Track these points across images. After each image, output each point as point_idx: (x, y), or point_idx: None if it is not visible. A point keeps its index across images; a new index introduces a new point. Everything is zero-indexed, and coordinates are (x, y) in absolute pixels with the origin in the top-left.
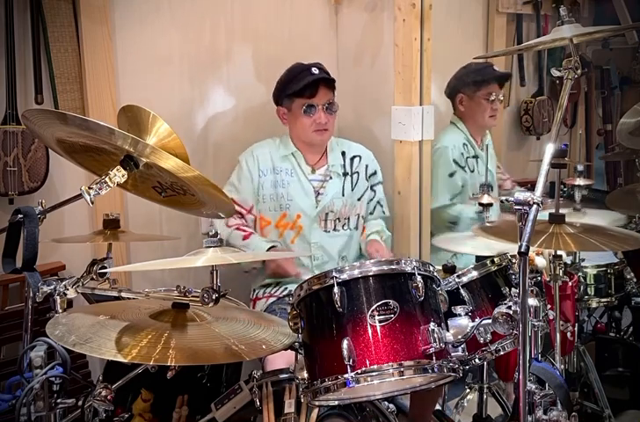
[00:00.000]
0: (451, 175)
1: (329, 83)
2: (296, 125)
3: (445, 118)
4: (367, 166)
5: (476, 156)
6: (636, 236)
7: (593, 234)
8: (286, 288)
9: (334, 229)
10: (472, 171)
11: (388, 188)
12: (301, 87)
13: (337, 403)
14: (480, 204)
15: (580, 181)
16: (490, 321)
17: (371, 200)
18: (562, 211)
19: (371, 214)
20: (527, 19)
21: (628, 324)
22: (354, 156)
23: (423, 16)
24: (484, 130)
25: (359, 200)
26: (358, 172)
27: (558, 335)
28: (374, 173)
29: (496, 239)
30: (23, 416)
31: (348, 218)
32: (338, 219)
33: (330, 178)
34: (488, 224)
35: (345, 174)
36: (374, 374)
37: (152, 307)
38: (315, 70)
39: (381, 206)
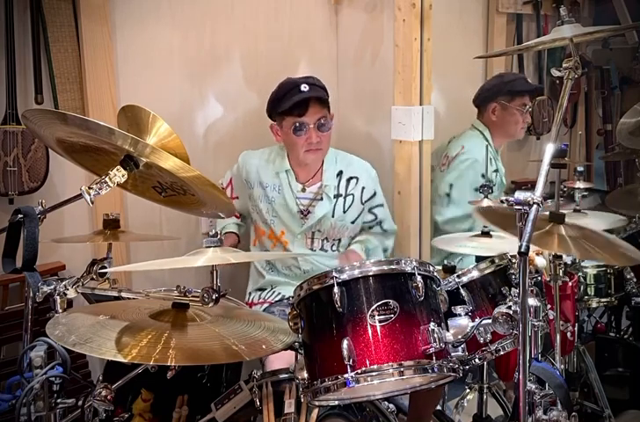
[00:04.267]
0: (477, 189)
1: (320, 99)
2: (288, 143)
3: (444, 119)
4: (363, 188)
5: (496, 171)
6: (634, 252)
7: (586, 240)
8: (279, 294)
9: (321, 249)
10: (494, 186)
11: (388, 188)
12: (290, 106)
13: (337, 403)
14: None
15: (580, 184)
16: (490, 321)
17: (368, 221)
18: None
19: (370, 228)
20: (527, 19)
21: (628, 324)
22: (351, 178)
23: (423, 16)
24: (507, 140)
25: (352, 222)
26: (353, 195)
27: (558, 335)
28: (373, 195)
29: (494, 226)
30: (23, 416)
31: (339, 239)
32: (326, 239)
33: (321, 198)
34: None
35: (337, 196)
36: (374, 374)
37: (152, 307)
38: (304, 88)
39: (381, 224)
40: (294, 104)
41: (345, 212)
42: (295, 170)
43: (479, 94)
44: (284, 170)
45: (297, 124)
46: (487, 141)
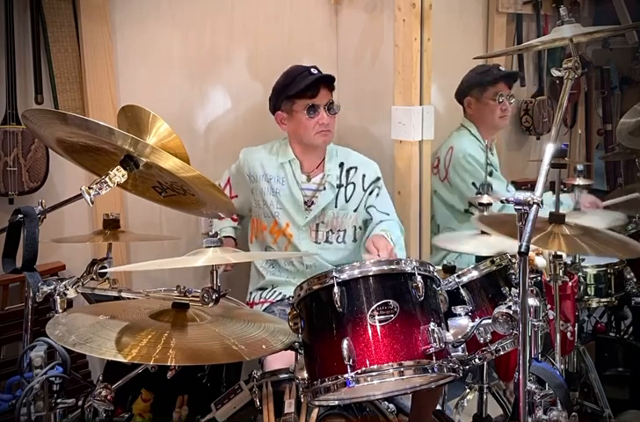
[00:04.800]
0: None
1: (329, 83)
2: (299, 128)
3: (444, 119)
4: (363, 176)
5: (489, 164)
6: (632, 244)
7: (590, 238)
8: (280, 293)
9: (326, 241)
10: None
11: (388, 188)
12: (303, 87)
13: (337, 403)
14: (480, 204)
15: (580, 181)
16: (490, 321)
17: (365, 205)
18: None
19: (371, 219)
20: (527, 19)
21: (628, 324)
22: (351, 168)
23: (423, 16)
24: (495, 132)
25: (355, 211)
26: (354, 183)
27: (558, 335)
28: (376, 180)
29: (494, 232)
30: (23, 416)
31: (344, 230)
32: (331, 230)
33: (324, 188)
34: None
35: (339, 186)
36: (374, 374)
37: (152, 307)
38: (314, 71)
39: (377, 209)
40: (307, 85)
41: (347, 201)
42: (300, 160)
43: (457, 90)
44: (288, 160)
45: (310, 105)
46: (474, 136)
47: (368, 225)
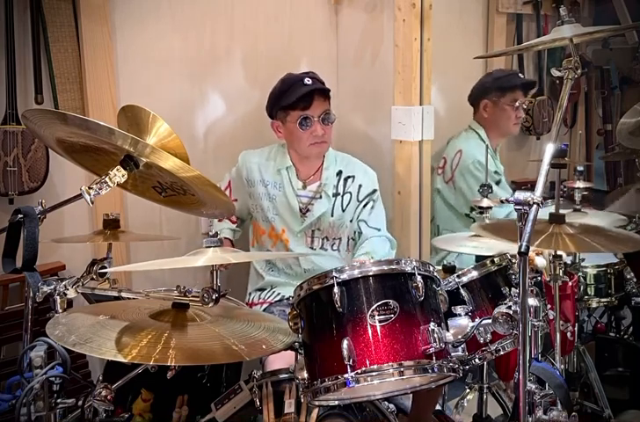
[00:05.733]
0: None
1: (323, 92)
2: (292, 138)
3: (444, 119)
4: (360, 186)
5: (496, 172)
6: (636, 237)
7: (593, 235)
8: (279, 294)
9: (321, 248)
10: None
11: (388, 188)
12: (295, 99)
13: (337, 403)
14: (479, 207)
15: (580, 184)
16: (490, 321)
17: (357, 218)
18: (562, 211)
19: (360, 233)
20: (527, 19)
21: (628, 324)
22: (348, 177)
23: (423, 16)
24: (504, 138)
25: (351, 221)
26: (350, 193)
27: (558, 335)
28: (372, 192)
29: (495, 238)
30: (23, 416)
31: (340, 239)
32: (326, 237)
33: (320, 197)
34: (487, 222)
35: (335, 195)
36: (374, 374)
37: (152, 307)
38: (308, 81)
39: (367, 224)
40: (300, 97)
41: (344, 211)
42: (297, 167)
43: (472, 92)
44: (285, 167)
45: (302, 117)
46: (483, 141)
47: (358, 237)
